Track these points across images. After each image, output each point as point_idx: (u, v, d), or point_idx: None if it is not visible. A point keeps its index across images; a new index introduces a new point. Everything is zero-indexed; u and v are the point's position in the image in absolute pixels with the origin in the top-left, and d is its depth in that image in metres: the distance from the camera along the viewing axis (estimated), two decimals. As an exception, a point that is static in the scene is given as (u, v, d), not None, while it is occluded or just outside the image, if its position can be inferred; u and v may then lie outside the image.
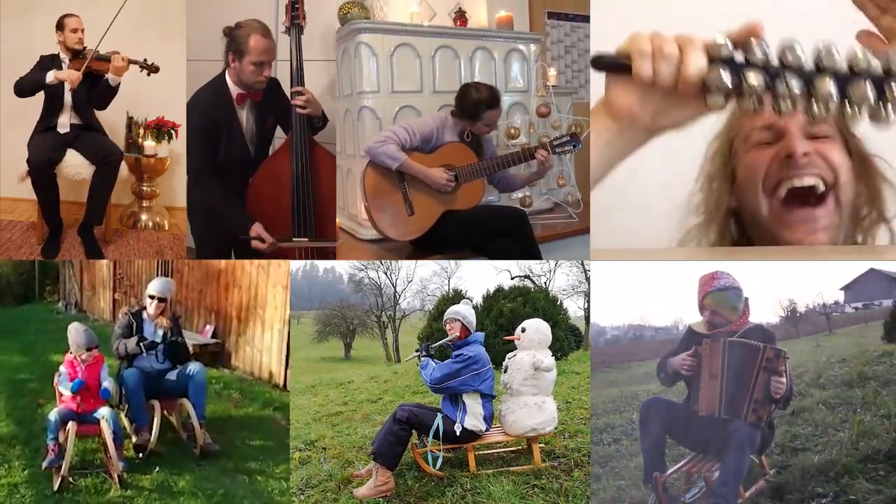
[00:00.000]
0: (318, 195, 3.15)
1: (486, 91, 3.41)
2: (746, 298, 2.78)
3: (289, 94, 3.15)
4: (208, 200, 3.14)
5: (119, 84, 3.65)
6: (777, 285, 2.84)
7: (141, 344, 3.27)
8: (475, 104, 3.37)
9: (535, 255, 3.35)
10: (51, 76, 3.54)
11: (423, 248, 3.39)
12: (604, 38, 3.84)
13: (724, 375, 2.67)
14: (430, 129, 3.34)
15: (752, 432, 2.60)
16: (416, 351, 3.20)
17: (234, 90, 3.15)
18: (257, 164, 3.18)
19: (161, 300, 3.39)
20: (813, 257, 3.46)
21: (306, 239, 3.10)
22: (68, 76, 3.55)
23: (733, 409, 2.64)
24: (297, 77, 3.11)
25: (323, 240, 3.15)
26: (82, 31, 3.60)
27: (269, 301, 4.36)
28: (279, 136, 3.37)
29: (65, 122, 3.68)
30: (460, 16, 4.01)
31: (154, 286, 3.43)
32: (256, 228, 3.05)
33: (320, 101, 3.24)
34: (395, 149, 3.23)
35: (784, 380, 2.63)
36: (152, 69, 3.59)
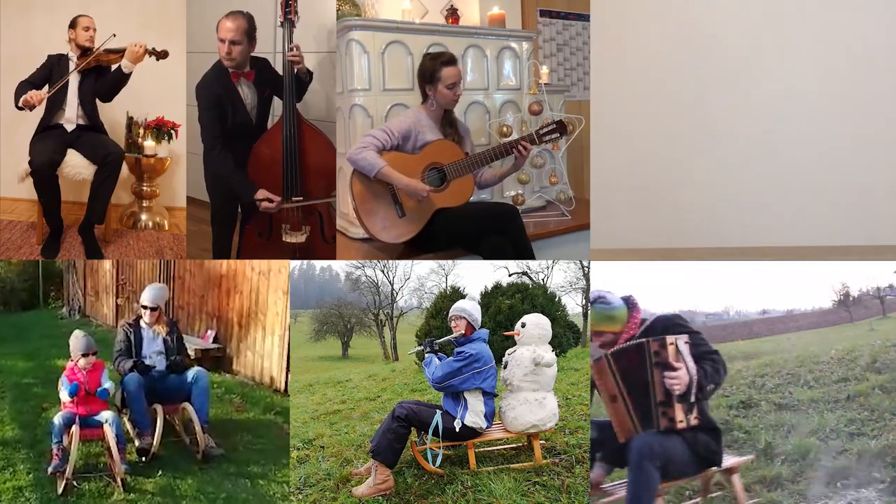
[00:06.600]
0: (304, 161, 3.44)
1: (442, 53, 3.46)
2: (630, 297, 2.61)
3: (279, 71, 3.47)
4: (220, 170, 3.45)
5: (131, 72, 3.66)
6: (829, 272, 2.77)
7: (136, 368, 3.34)
8: (431, 61, 3.37)
9: (528, 252, 3.33)
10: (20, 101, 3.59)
11: (414, 247, 3.36)
12: (602, 35, 3.86)
13: (622, 392, 2.46)
14: (407, 126, 3.32)
15: (646, 443, 2.36)
16: (420, 346, 3.19)
17: (230, 69, 3.47)
18: (259, 133, 3.51)
19: (154, 309, 3.47)
20: (821, 258, 3.41)
21: (301, 198, 3.42)
22: (31, 98, 3.58)
23: (646, 421, 2.43)
24: (286, 66, 3.42)
25: (318, 198, 3.47)
26: (94, 30, 3.68)
27: (270, 307, 4.36)
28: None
29: (71, 117, 3.70)
30: (452, 13, 4.00)
31: (146, 296, 3.51)
32: (263, 192, 3.36)
33: (313, 93, 3.60)
34: (373, 155, 3.22)
35: (677, 373, 2.36)
36: (161, 55, 3.62)
